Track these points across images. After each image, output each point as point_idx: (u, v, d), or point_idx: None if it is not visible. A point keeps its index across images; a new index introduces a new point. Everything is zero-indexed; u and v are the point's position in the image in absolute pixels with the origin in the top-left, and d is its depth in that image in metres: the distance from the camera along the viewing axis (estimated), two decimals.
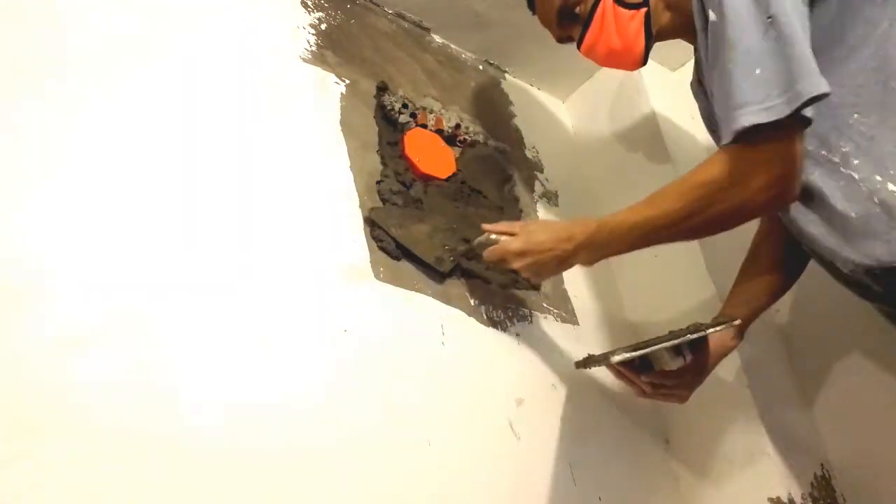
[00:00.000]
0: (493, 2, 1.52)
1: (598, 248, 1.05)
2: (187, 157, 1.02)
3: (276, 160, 1.12)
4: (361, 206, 1.19)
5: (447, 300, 1.21)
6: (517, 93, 1.73)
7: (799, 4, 0.88)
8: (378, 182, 1.24)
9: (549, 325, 1.37)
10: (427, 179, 1.31)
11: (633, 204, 1.02)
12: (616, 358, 1.04)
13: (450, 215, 1.30)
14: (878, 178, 0.91)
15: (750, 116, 0.85)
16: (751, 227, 1.49)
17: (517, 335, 1.29)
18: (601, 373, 1.39)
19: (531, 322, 1.33)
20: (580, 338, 1.40)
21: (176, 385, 0.86)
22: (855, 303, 1.09)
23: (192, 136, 1.04)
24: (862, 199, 0.92)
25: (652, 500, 1.36)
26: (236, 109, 1.12)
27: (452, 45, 1.64)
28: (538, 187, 1.60)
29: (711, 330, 1.07)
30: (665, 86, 1.67)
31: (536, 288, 1.39)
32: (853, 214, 0.93)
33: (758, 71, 0.85)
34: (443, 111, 1.43)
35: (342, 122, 1.26)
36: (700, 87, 1.15)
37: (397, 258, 1.18)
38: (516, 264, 1.10)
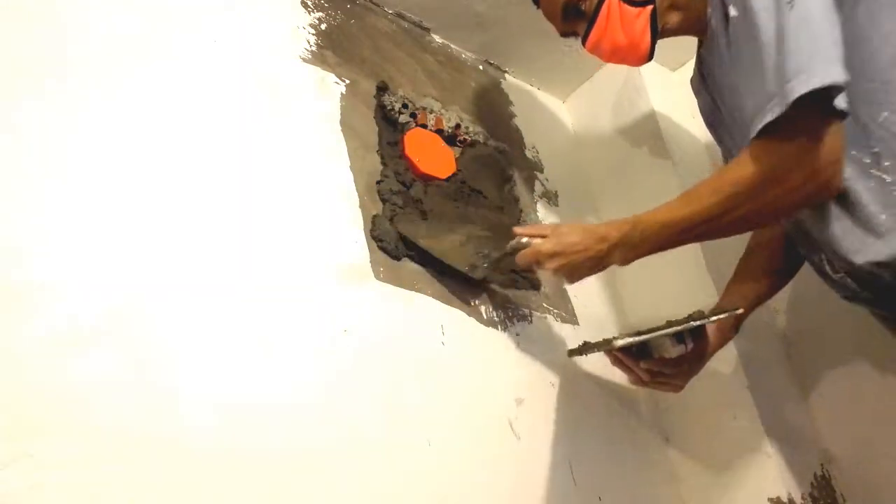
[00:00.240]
0: (493, 2, 1.52)
1: (633, 246, 1.03)
2: (187, 158, 1.02)
3: (275, 160, 1.12)
4: (361, 206, 1.19)
5: (447, 300, 1.21)
6: (517, 93, 1.73)
7: None
8: (378, 182, 1.24)
9: (549, 325, 1.37)
10: (427, 179, 1.31)
11: (668, 202, 1.00)
12: (619, 342, 1.04)
13: (481, 222, 1.29)
14: None
15: (777, 108, 0.84)
16: None
17: (517, 335, 1.29)
18: (601, 373, 1.39)
19: (531, 322, 1.33)
20: (580, 338, 1.39)
21: (176, 385, 0.86)
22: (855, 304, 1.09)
23: (192, 136, 1.04)
24: (893, 204, 0.90)
25: (652, 500, 1.36)
26: (236, 109, 1.12)
27: (452, 45, 1.64)
28: (538, 187, 1.60)
29: (715, 317, 1.07)
30: (665, 86, 1.67)
31: (536, 288, 1.39)
32: (883, 217, 0.90)
33: (783, 56, 0.84)
34: (443, 111, 1.43)
35: (342, 122, 1.26)
36: (702, 82, 1.15)
37: (397, 258, 1.18)
38: (550, 265, 1.08)
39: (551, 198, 1.61)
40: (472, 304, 1.25)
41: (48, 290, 0.81)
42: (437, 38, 1.61)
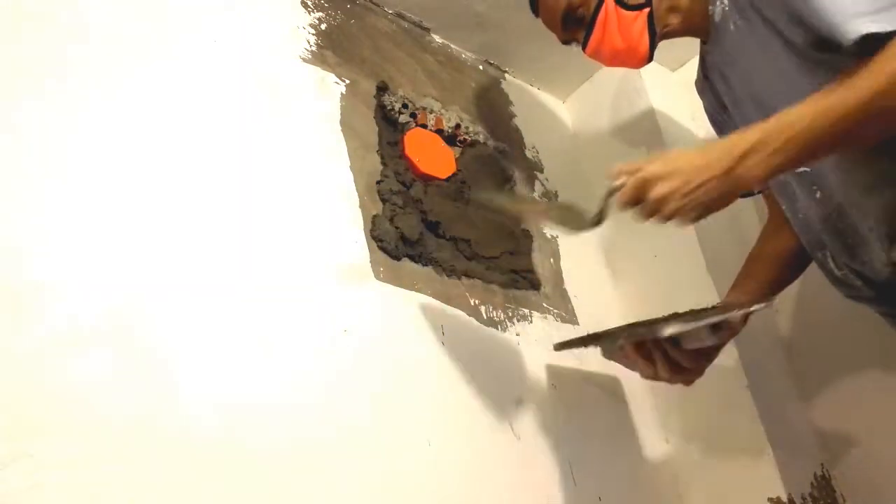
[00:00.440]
0: (494, 2, 1.52)
1: (775, 150, 0.82)
2: (187, 158, 1.02)
3: (276, 160, 1.12)
4: (361, 206, 1.19)
5: (447, 300, 1.21)
6: (517, 93, 1.73)
7: None
8: (378, 182, 1.25)
9: (549, 325, 1.37)
10: (427, 179, 1.31)
11: (807, 99, 0.84)
12: (669, 330, 0.92)
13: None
14: None
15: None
16: (751, 226, 1.50)
17: (517, 335, 1.29)
18: (601, 373, 1.39)
19: (531, 322, 1.33)
20: None
21: (176, 385, 0.86)
22: (855, 304, 1.09)
23: (192, 137, 1.04)
24: None
25: (652, 500, 1.36)
26: (236, 109, 1.12)
27: (452, 45, 1.64)
28: (538, 187, 1.60)
29: (755, 307, 0.96)
30: (665, 86, 1.68)
31: (536, 288, 1.39)
32: None
33: None
34: (443, 111, 1.43)
35: (342, 122, 1.26)
36: (706, 82, 1.15)
37: (397, 258, 1.18)
38: (661, 190, 0.84)
39: (551, 198, 1.61)
40: (473, 304, 1.25)
41: (48, 290, 0.81)
42: (437, 38, 1.61)
